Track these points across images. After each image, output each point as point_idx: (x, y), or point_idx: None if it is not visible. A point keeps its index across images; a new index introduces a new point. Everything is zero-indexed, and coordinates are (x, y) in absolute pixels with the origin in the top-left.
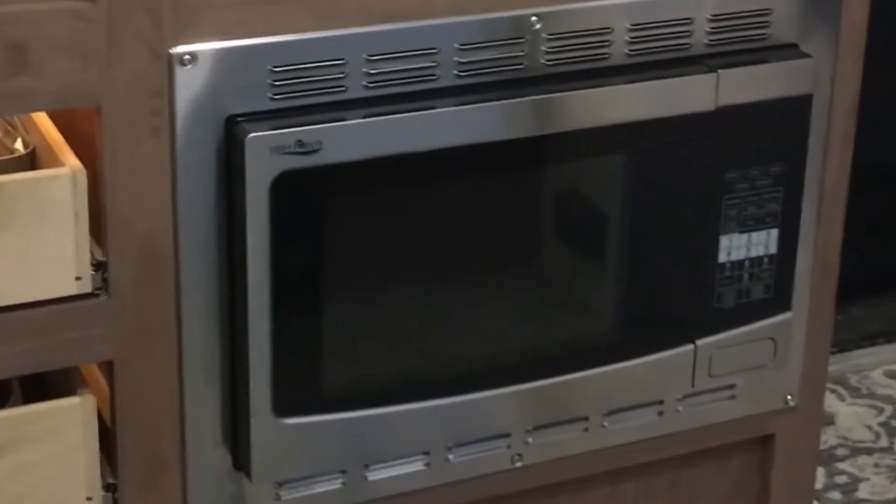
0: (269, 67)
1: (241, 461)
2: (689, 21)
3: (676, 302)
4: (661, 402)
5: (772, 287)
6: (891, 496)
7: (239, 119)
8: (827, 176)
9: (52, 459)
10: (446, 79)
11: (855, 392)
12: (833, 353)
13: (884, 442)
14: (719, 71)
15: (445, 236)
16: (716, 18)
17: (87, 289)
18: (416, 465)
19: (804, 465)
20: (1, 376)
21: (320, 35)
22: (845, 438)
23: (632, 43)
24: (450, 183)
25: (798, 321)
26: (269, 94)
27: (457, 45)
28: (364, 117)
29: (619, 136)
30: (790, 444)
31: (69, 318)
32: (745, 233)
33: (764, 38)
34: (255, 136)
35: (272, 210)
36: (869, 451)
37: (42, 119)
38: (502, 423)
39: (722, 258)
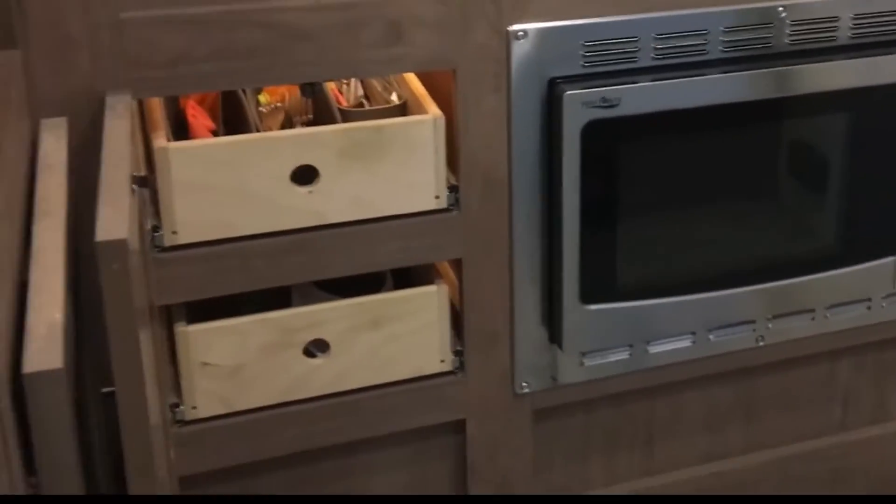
0: (582, 42)
1: (555, 336)
2: None
3: (882, 226)
4: (869, 300)
5: None
6: None
7: (558, 81)
8: None
9: (416, 331)
10: (714, 53)
11: None
12: None
13: None
14: None
15: (710, 172)
16: None
17: (443, 205)
18: (684, 342)
19: None
20: (380, 268)
21: (621, 18)
22: None
23: (854, 28)
24: (714, 132)
25: None
26: (581, 62)
27: (722, 28)
28: (652, 80)
29: (843, 99)
30: None
31: (429, 227)
32: None
33: None
34: (571, 93)
35: (582, 150)
36: None
37: (411, 78)
38: (750, 312)
39: None
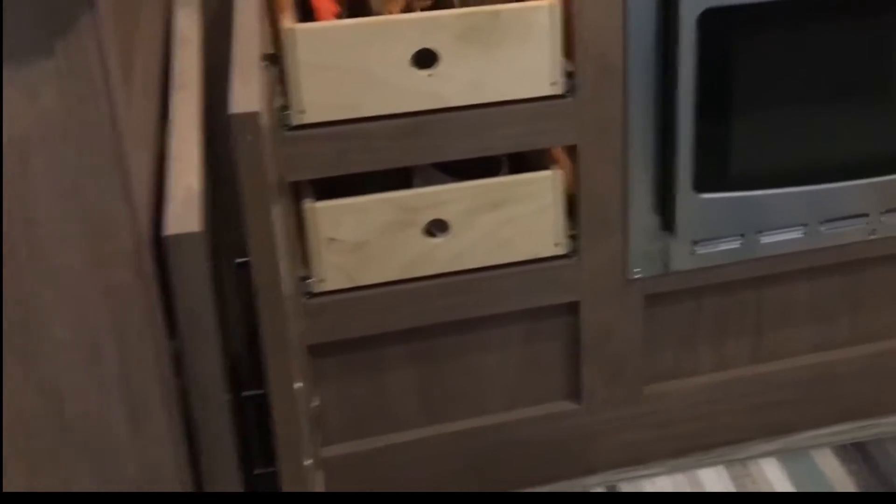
0: None
1: (667, 224)
2: None
3: None
4: None
5: None
6: None
7: None
8: None
9: (532, 215)
10: None
11: None
12: None
13: None
14: None
15: (827, 64)
16: None
17: (559, 91)
18: (795, 234)
19: None
20: (497, 153)
21: None
22: None
23: None
24: (832, 23)
25: None
26: None
27: None
28: None
29: None
30: None
31: (545, 113)
32: None
33: None
34: None
35: (698, 38)
36: None
37: None
38: (863, 205)
39: None
